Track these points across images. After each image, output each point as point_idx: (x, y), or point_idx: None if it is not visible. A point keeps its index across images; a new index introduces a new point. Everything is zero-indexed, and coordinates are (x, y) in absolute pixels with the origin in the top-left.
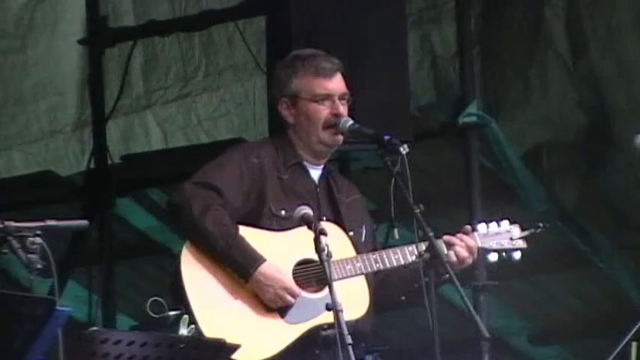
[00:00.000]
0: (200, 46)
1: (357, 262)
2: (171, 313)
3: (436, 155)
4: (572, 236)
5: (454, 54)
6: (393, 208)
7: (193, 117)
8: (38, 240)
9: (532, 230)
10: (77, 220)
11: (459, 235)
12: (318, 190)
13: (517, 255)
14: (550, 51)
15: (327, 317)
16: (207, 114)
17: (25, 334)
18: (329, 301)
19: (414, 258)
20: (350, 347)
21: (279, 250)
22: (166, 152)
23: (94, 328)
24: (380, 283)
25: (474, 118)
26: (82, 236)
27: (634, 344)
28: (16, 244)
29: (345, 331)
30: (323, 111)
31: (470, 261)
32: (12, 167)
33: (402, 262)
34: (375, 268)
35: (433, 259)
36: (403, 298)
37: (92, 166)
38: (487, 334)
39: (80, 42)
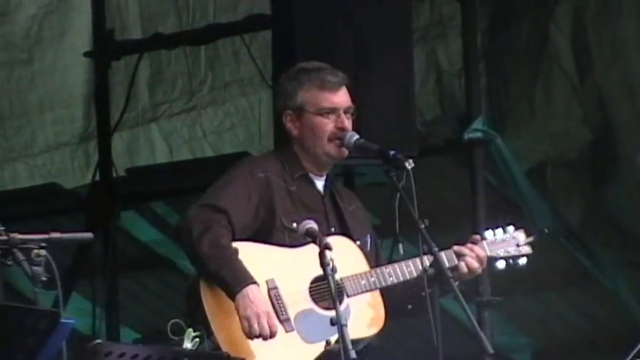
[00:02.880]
0: (206, 59)
1: (372, 276)
2: (192, 334)
3: (441, 171)
4: (576, 253)
5: (459, 70)
6: (397, 223)
7: (198, 130)
8: (43, 252)
9: (537, 235)
10: (81, 232)
11: (468, 245)
12: (325, 200)
13: (523, 261)
14: (555, 67)
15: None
16: (213, 128)
17: (28, 346)
18: (345, 316)
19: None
20: None
21: (294, 268)
22: (171, 165)
23: (98, 340)
24: (385, 293)
25: (479, 134)
26: (86, 249)
27: None
28: (20, 256)
29: (349, 346)
30: (328, 124)
31: (480, 271)
32: (17, 179)
33: (415, 274)
34: (389, 282)
35: (438, 275)
36: (410, 307)
37: (97, 178)
38: (491, 350)
39: (86, 54)
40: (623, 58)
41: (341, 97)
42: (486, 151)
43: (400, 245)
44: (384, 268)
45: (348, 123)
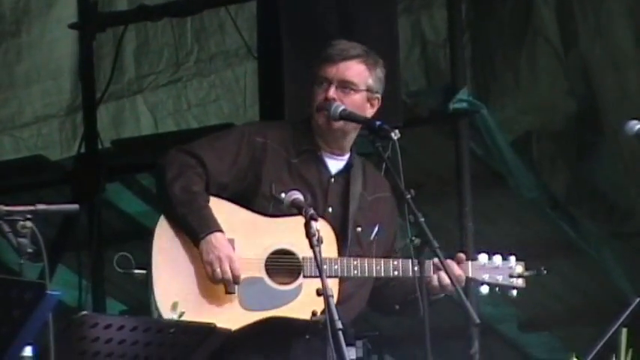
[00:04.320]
0: (192, 31)
1: (335, 264)
2: (136, 271)
3: (426, 142)
4: (561, 224)
5: (444, 40)
6: None
7: (184, 102)
8: (29, 224)
9: (534, 272)
10: (67, 204)
11: (449, 260)
12: (332, 180)
13: (512, 293)
14: (540, 38)
15: (286, 311)
16: (198, 99)
17: (14, 318)
18: (294, 295)
19: (396, 273)
20: (340, 332)
21: (260, 236)
22: (156, 137)
23: (84, 312)
24: (380, 288)
25: (464, 105)
26: (71, 221)
27: (624, 331)
28: (6, 227)
29: (336, 317)
30: (319, 95)
31: (452, 289)
32: (2, 152)
33: (383, 274)
34: (352, 275)
35: (423, 245)
36: (397, 307)
37: (82, 150)
38: (477, 320)
39: (71, 26)
40: (608, 29)
41: (336, 69)
42: (471, 121)
43: None
44: (352, 260)
45: (332, 93)
